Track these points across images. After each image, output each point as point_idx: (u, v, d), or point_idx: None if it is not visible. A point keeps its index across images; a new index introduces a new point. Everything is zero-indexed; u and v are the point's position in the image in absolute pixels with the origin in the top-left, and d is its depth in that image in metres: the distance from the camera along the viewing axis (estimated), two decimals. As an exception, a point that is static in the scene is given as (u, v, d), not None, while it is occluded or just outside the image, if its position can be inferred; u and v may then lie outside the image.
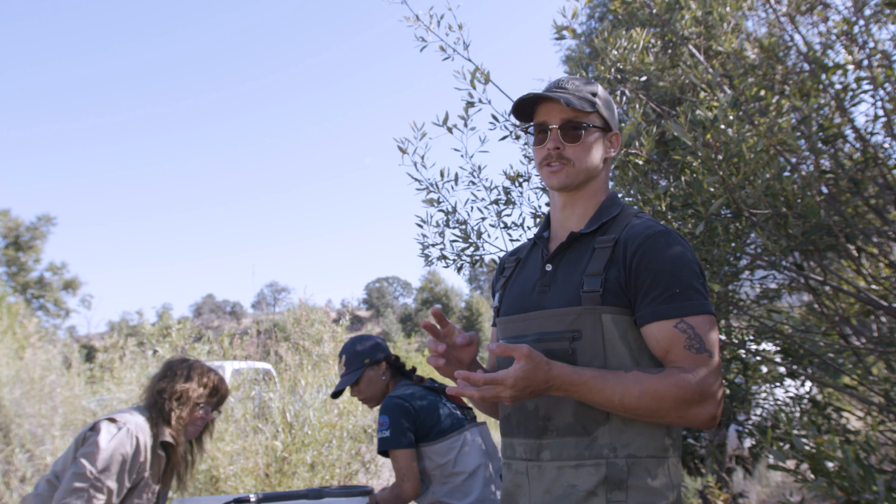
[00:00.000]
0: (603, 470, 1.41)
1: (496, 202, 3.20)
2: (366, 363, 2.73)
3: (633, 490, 1.41)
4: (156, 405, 2.50)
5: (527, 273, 1.64)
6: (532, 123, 1.62)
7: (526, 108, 1.62)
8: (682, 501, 1.50)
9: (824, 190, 2.62)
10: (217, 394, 2.61)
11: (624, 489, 1.40)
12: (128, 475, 2.34)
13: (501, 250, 3.19)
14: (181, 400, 2.51)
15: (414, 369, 2.87)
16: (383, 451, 2.57)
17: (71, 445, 2.43)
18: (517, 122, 3.14)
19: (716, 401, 1.40)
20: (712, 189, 2.45)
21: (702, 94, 2.63)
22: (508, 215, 3.20)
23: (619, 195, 2.62)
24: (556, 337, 1.47)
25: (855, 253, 2.65)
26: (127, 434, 2.37)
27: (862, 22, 2.55)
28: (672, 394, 1.36)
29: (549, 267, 1.58)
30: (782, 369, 3.10)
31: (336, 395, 2.74)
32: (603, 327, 1.44)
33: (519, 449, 1.53)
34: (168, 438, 2.50)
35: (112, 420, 2.40)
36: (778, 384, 3.34)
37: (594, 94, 1.59)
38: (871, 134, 2.60)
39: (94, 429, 2.37)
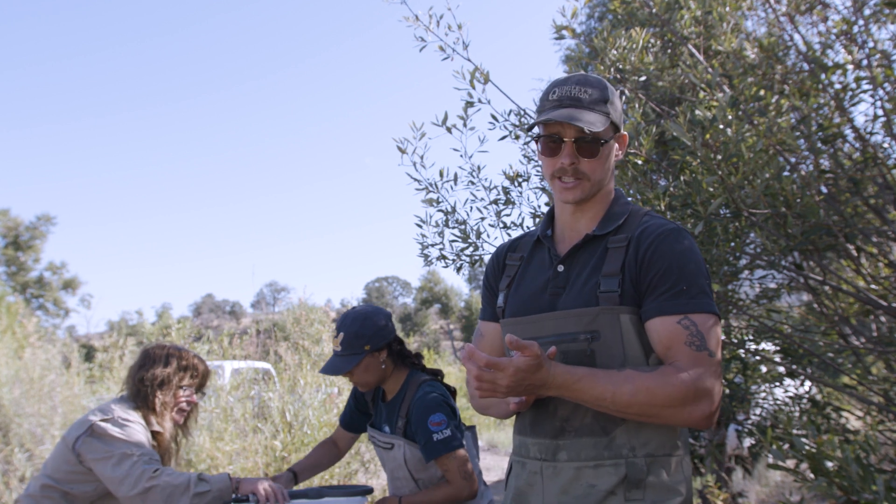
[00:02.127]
0: (623, 469, 1.42)
1: (495, 202, 3.20)
2: (366, 350, 2.37)
3: (650, 488, 1.41)
4: (139, 394, 2.50)
5: (534, 273, 1.62)
6: (541, 133, 1.57)
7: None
8: (693, 494, 1.50)
9: (824, 190, 2.62)
10: (198, 374, 2.61)
11: (642, 488, 1.41)
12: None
13: (498, 247, 3.18)
14: (163, 385, 2.51)
15: (420, 356, 2.58)
16: (443, 453, 2.28)
17: (60, 444, 2.41)
18: (517, 123, 3.15)
19: (712, 400, 1.38)
20: (711, 189, 2.45)
21: (701, 94, 2.63)
22: (508, 215, 3.20)
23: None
24: (573, 338, 1.47)
25: (854, 253, 2.65)
26: (127, 422, 2.39)
27: (861, 22, 2.55)
28: (665, 392, 1.35)
29: (561, 268, 1.56)
30: (782, 369, 3.10)
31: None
32: (621, 327, 1.44)
33: (533, 449, 1.53)
34: (155, 427, 2.50)
35: (106, 419, 2.39)
36: (777, 384, 3.34)
37: (605, 100, 1.55)
38: (871, 134, 2.60)
39: (91, 433, 2.36)
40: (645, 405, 1.35)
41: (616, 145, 1.60)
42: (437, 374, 2.55)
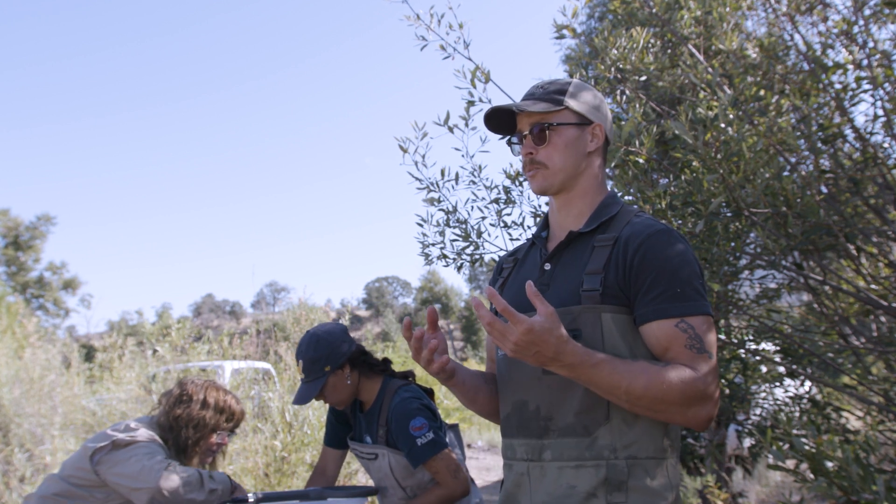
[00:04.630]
0: (603, 471, 1.41)
1: (496, 201, 3.20)
2: (326, 371, 2.36)
3: (632, 491, 1.40)
4: (171, 430, 2.47)
5: (525, 273, 1.63)
6: (511, 135, 1.64)
7: (511, 123, 1.62)
8: (682, 501, 1.49)
9: (824, 189, 2.62)
10: (234, 418, 2.58)
11: (624, 490, 1.39)
12: None
13: (501, 249, 3.19)
14: (198, 427, 2.48)
15: (388, 361, 2.56)
16: (429, 456, 2.27)
17: (80, 450, 2.41)
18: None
19: (713, 402, 1.39)
20: (712, 188, 2.45)
21: (701, 94, 2.63)
22: (508, 214, 3.20)
23: (619, 194, 2.62)
24: None
25: (854, 252, 2.65)
26: (149, 445, 2.37)
27: (862, 21, 2.55)
28: (678, 389, 1.34)
29: (547, 266, 1.57)
30: (782, 369, 3.10)
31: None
32: (602, 326, 1.43)
33: (520, 450, 1.53)
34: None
35: (130, 439, 2.37)
36: (777, 384, 3.34)
37: (562, 92, 1.56)
38: (871, 134, 2.60)
39: (113, 446, 2.35)
40: (656, 400, 1.35)
41: (587, 135, 1.58)
42: (409, 376, 2.54)
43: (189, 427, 2.47)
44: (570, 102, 1.56)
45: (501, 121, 1.62)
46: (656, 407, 1.36)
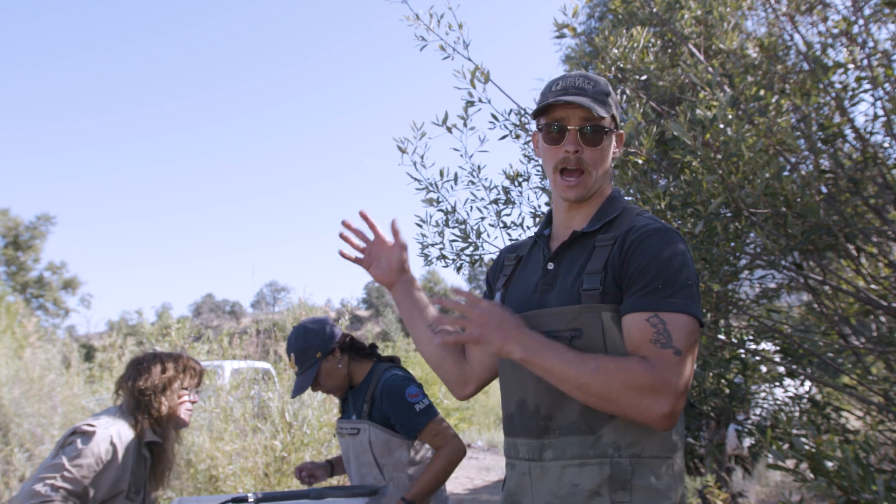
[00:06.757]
0: (607, 469, 1.40)
1: (495, 202, 3.20)
2: (318, 357, 2.48)
3: (637, 490, 1.39)
4: (140, 405, 2.45)
5: (528, 272, 1.63)
6: (545, 121, 1.56)
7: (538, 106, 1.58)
8: (686, 500, 1.48)
9: (824, 189, 2.62)
10: (196, 373, 2.59)
11: (628, 489, 1.38)
12: (102, 482, 2.30)
13: (500, 249, 3.19)
14: (165, 390, 2.47)
15: (374, 346, 2.66)
16: (429, 419, 2.38)
17: (53, 450, 2.41)
18: (517, 122, 3.15)
19: (671, 398, 1.33)
20: (711, 188, 2.45)
21: (701, 94, 2.63)
22: (508, 215, 3.20)
23: (621, 192, 2.62)
24: (557, 335, 1.46)
25: (854, 252, 2.65)
26: (107, 442, 2.33)
27: (861, 21, 2.55)
28: (622, 376, 1.32)
29: (550, 266, 1.57)
30: (782, 369, 3.09)
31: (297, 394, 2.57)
32: (603, 325, 1.42)
33: (522, 449, 1.52)
34: (154, 437, 2.47)
35: (89, 429, 2.35)
36: (777, 384, 3.34)
37: (607, 94, 1.56)
38: (871, 134, 2.60)
39: (73, 433, 2.35)
40: (603, 386, 1.33)
41: (615, 142, 1.60)
42: (395, 360, 2.66)
43: (157, 393, 2.46)
44: (613, 108, 1.56)
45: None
46: (605, 394, 1.34)
